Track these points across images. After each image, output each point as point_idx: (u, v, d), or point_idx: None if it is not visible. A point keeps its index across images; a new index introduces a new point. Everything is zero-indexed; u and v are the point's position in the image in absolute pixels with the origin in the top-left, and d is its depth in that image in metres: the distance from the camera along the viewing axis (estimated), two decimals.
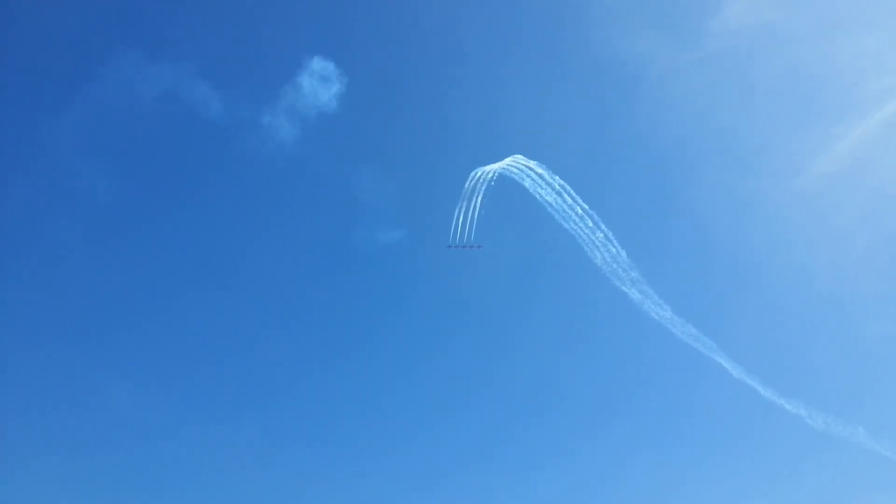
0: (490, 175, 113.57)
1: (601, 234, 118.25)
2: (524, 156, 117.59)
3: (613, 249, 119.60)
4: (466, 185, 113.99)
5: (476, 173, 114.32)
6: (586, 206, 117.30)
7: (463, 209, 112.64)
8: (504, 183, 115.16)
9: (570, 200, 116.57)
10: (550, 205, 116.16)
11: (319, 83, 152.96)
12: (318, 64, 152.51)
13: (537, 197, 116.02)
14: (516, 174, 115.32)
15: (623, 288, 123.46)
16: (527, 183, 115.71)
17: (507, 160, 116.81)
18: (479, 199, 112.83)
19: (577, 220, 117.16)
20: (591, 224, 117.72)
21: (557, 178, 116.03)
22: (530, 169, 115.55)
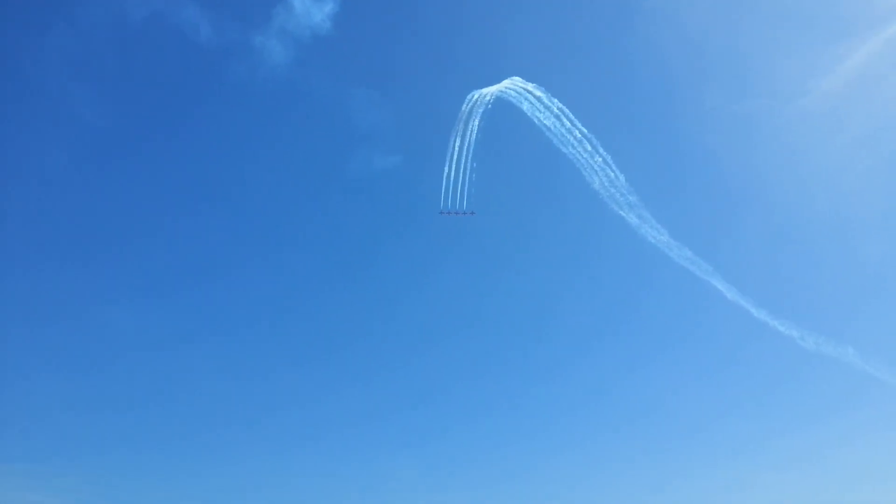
0: (487, 98, 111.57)
1: (600, 159, 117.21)
2: (522, 78, 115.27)
3: (612, 174, 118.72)
4: (463, 109, 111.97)
5: (473, 96, 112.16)
6: (585, 130, 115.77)
7: (459, 133, 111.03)
8: (502, 106, 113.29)
9: (568, 124, 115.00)
10: (549, 129, 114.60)
11: (312, 2, 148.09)
12: None
13: (535, 121, 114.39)
14: (514, 97, 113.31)
15: (621, 212, 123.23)
16: (525, 106, 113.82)
17: (505, 83, 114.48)
18: (477, 122, 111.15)
19: (576, 144, 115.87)
20: (589, 148, 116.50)
21: (556, 101, 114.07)
22: (528, 92, 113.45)
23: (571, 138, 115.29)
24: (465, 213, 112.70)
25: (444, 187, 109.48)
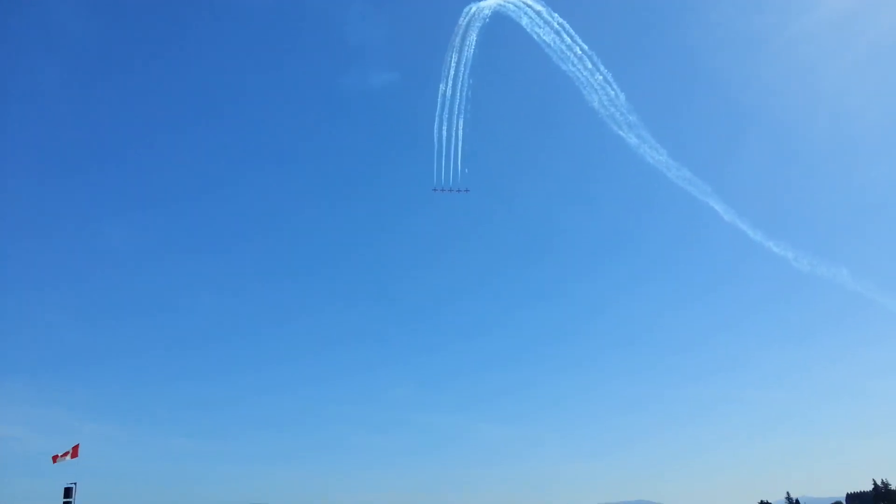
0: (485, 12, 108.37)
1: (600, 77, 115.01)
2: None
3: (612, 92, 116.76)
4: (460, 23, 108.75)
5: (470, 9, 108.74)
6: (586, 47, 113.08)
7: (456, 49, 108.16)
8: (500, 21, 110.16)
9: (568, 40, 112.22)
10: (548, 45, 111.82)
11: None
12: None
13: (534, 36, 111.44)
14: (513, 11, 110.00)
15: (620, 132, 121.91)
16: (524, 21, 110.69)
17: None
18: (474, 38, 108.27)
19: (576, 61, 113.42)
20: (590, 66, 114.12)
21: (556, 15, 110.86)
22: (528, 6, 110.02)
23: (571, 55, 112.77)
24: (458, 191, 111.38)
25: (438, 108, 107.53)
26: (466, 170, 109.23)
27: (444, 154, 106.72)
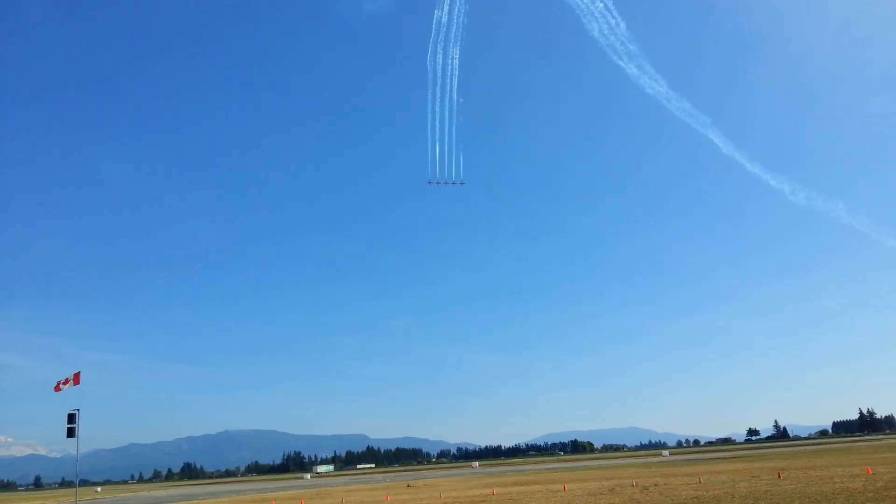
0: None
1: (601, 4, 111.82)
2: None
3: (613, 20, 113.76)
4: None
5: None
6: None
7: None
8: None
9: None
10: None
11: None
12: None
13: None
14: None
15: (620, 62, 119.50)
16: None
17: None
18: None
19: None
20: None
21: None
22: None
23: None
24: (453, 183, 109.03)
25: (433, 35, 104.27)
26: (461, 99, 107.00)
27: (438, 83, 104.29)
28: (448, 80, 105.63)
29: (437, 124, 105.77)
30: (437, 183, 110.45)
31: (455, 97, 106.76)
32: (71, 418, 65.04)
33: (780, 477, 42.43)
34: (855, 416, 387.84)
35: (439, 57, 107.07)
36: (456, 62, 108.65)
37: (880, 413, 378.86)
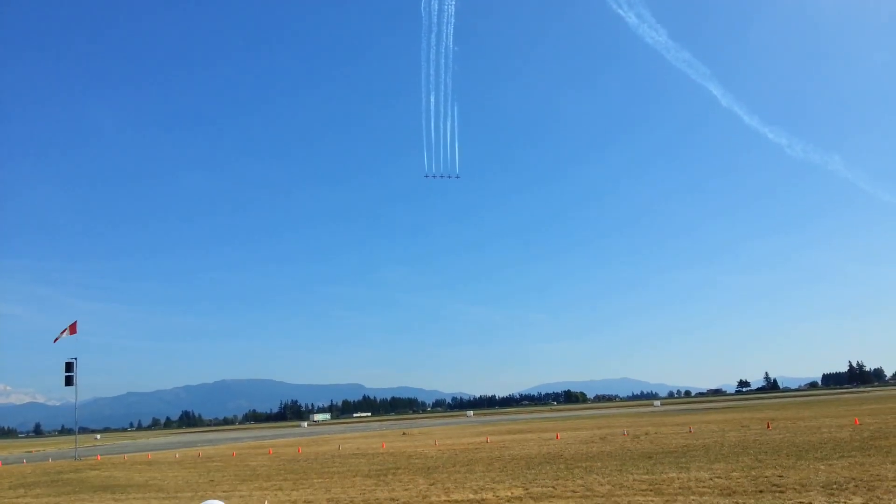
0: None
1: None
2: None
3: None
4: None
5: None
6: None
7: None
8: None
9: None
10: None
11: None
12: None
13: None
14: None
15: (619, 11, 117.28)
16: None
17: None
18: None
19: None
20: None
21: None
22: None
23: None
24: (449, 177, 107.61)
25: None
26: (457, 48, 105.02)
27: (433, 30, 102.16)
28: (444, 28, 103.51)
29: (433, 72, 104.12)
30: (434, 176, 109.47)
31: (451, 45, 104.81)
32: (69, 367, 65.53)
33: (769, 427, 43.13)
34: (844, 368, 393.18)
35: (434, 3, 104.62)
36: (452, 9, 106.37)
37: (869, 366, 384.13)
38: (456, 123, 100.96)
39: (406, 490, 22.50)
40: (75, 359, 66.08)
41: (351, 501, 20.61)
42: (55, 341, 65.36)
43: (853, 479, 18.12)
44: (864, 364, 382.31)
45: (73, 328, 66.01)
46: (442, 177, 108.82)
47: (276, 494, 24.03)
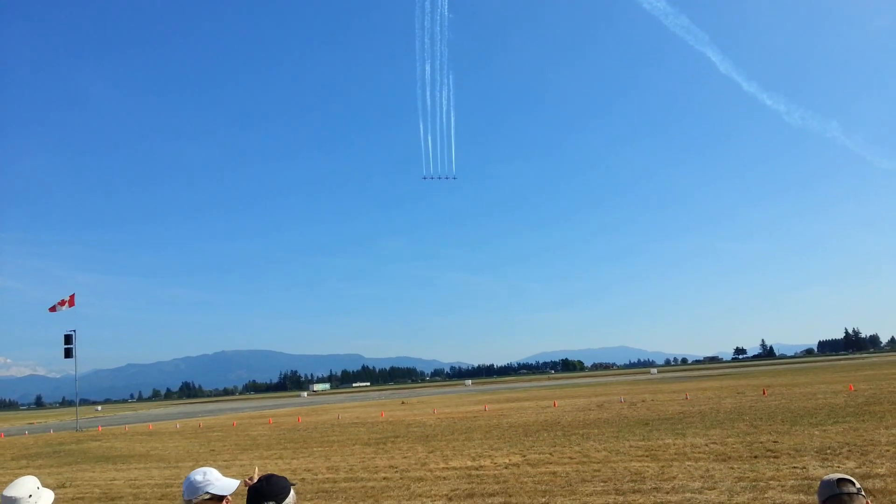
0: None
1: None
2: None
3: None
4: None
5: None
6: None
7: None
8: None
9: None
10: None
11: None
12: None
13: None
14: None
15: None
16: None
17: None
18: None
19: None
20: None
21: None
22: None
23: None
24: (446, 178, 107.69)
25: None
26: (452, 15, 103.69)
27: None
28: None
29: (427, 39, 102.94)
30: (432, 178, 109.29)
31: (445, 12, 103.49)
32: (67, 339, 65.76)
33: (764, 394, 43.51)
34: (840, 335, 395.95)
35: None
36: (446, 178, 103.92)
37: (865, 332, 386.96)
38: (451, 92, 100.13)
39: (405, 458, 22.73)
40: (74, 331, 66.31)
41: (351, 469, 20.84)
42: (51, 310, 65.45)
43: (847, 444, 18.33)
44: (860, 331, 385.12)
45: (71, 300, 66.08)
46: (439, 178, 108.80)
47: (276, 463, 24.29)
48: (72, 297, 66.48)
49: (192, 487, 4.00)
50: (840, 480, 3.53)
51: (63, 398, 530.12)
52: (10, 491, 4.03)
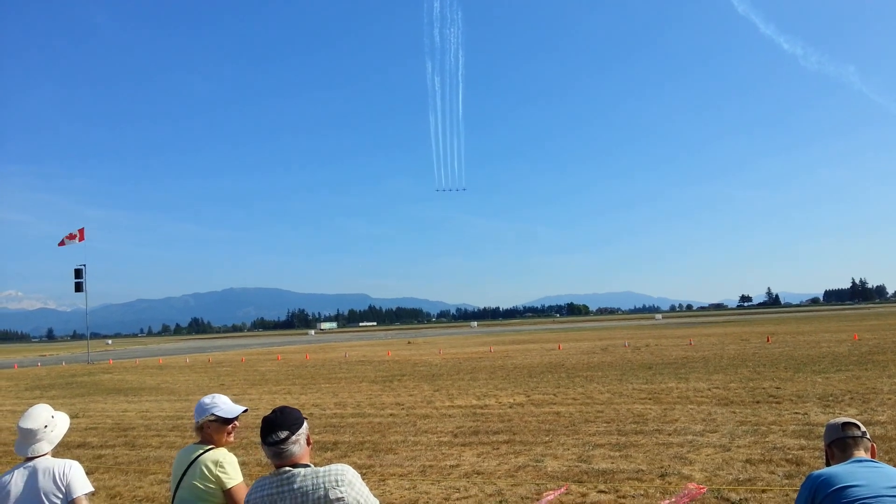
0: None
1: None
2: None
3: None
4: None
5: None
6: None
7: None
8: None
9: None
10: None
11: None
12: None
13: None
14: None
15: None
16: None
17: None
18: None
19: None
20: None
21: None
22: None
23: None
24: (458, 190, 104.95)
25: None
26: None
27: None
28: None
29: None
30: (446, 190, 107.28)
31: None
32: (77, 273, 66.37)
33: (768, 341, 43.77)
34: (847, 285, 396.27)
35: None
36: (457, 190, 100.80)
37: (872, 283, 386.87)
38: (460, 29, 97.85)
39: (411, 396, 23.09)
40: (84, 265, 66.87)
41: (358, 405, 21.20)
42: (60, 245, 65.84)
43: (849, 391, 18.48)
44: (867, 281, 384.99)
45: (80, 234, 66.38)
46: (450, 190, 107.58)
47: (285, 398, 24.74)
48: (81, 231, 66.78)
49: (201, 409, 4.29)
50: (845, 424, 3.59)
51: (74, 331, 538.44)
52: (26, 423, 4.05)
